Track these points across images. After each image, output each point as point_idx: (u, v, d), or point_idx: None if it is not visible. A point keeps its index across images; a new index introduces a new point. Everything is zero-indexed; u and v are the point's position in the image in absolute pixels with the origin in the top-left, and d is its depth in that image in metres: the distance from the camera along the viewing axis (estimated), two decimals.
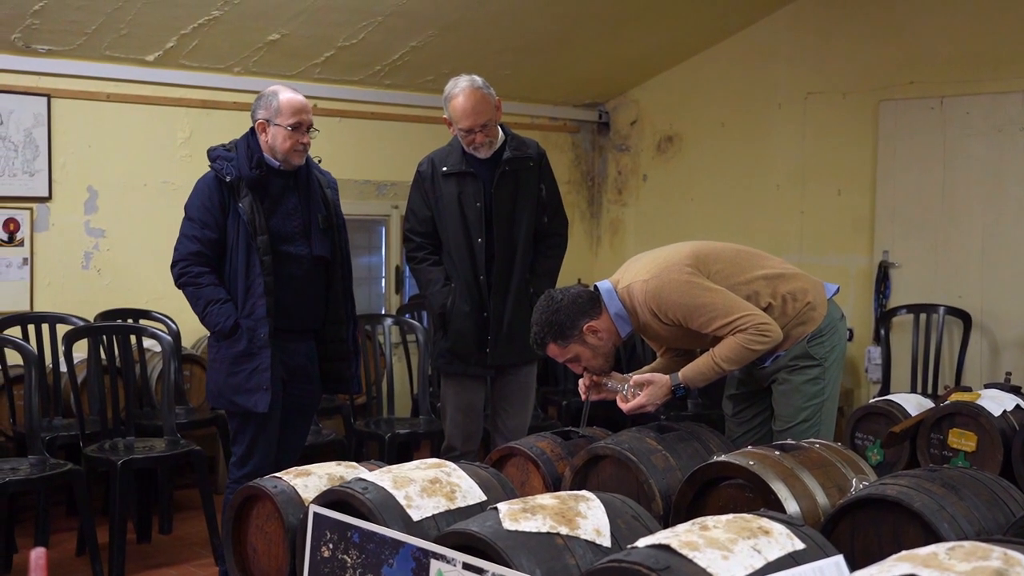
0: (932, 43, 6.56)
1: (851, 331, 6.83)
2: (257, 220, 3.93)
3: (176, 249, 4.02)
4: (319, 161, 4.26)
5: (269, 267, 3.94)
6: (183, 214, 4.07)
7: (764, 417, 3.84)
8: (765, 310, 3.56)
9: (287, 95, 4.00)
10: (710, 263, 3.62)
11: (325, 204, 4.15)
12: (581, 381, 3.76)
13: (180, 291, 4.07)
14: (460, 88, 4.28)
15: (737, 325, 3.48)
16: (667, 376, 3.62)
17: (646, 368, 3.87)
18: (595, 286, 3.67)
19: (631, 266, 3.72)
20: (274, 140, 3.98)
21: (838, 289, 3.86)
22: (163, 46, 5.84)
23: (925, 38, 6.58)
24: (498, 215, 4.40)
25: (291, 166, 4.04)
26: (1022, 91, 6.21)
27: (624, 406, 3.66)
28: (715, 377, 3.59)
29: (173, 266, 4.02)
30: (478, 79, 4.31)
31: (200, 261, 3.97)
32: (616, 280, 3.67)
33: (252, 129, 4.05)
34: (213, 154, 4.03)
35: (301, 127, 3.98)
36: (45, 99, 5.71)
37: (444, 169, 4.40)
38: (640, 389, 3.63)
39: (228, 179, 3.94)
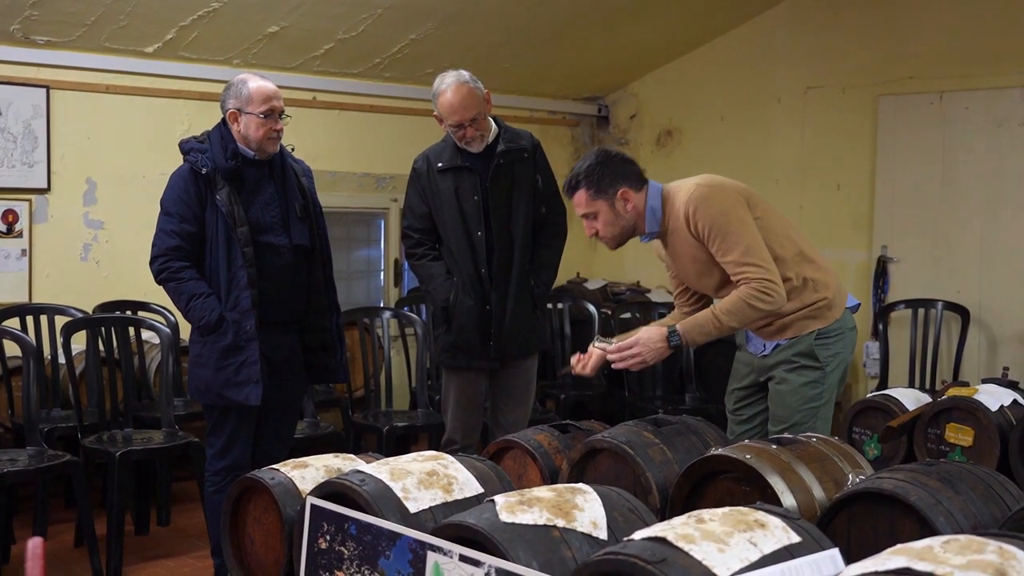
0: (931, 38, 6.56)
1: None
2: (236, 211, 3.90)
3: (154, 244, 3.97)
4: (292, 150, 4.22)
5: (251, 258, 3.90)
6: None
7: (765, 417, 3.78)
8: (784, 282, 3.49)
9: (256, 83, 3.97)
10: (755, 206, 3.56)
11: (302, 193, 4.11)
12: (574, 358, 3.71)
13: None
14: (447, 84, 4.29)
15: (744, 272, 3.41)
16: (657, 328, 3.54)
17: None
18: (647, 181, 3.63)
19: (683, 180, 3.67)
20: (247, 129, 3.95)
21: (859, 305, 3.81)
22: (162, 38, 5.84)
23: (924, 33, 6.58)
24: (495, 208, 4.40)
25: (266, 154, 4.01)
26: (1021, 86, 6.22)
27: (612, 356, 3.56)
28: (714, 332, 3.49)
29: (152, 262, 3.97)
30: (464, 73, 4.31)
31: (180, 255, 3.93)
32: (663, 186, 3.64)
33: (223, 120, 4.01)
34: (186, 146, 3.98)
35: (273, 114, 3.95)
36: (44, 90, 5.71)
37: (439, 165, 4.41)
38: (628, 341, 3.54)
39: (204, 171, 3.89)
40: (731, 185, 3.58)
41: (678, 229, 3.55)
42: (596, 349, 3.64)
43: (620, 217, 3.58)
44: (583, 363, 3.69)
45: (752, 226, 3.48)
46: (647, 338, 3.53)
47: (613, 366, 3.61)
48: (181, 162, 4.01)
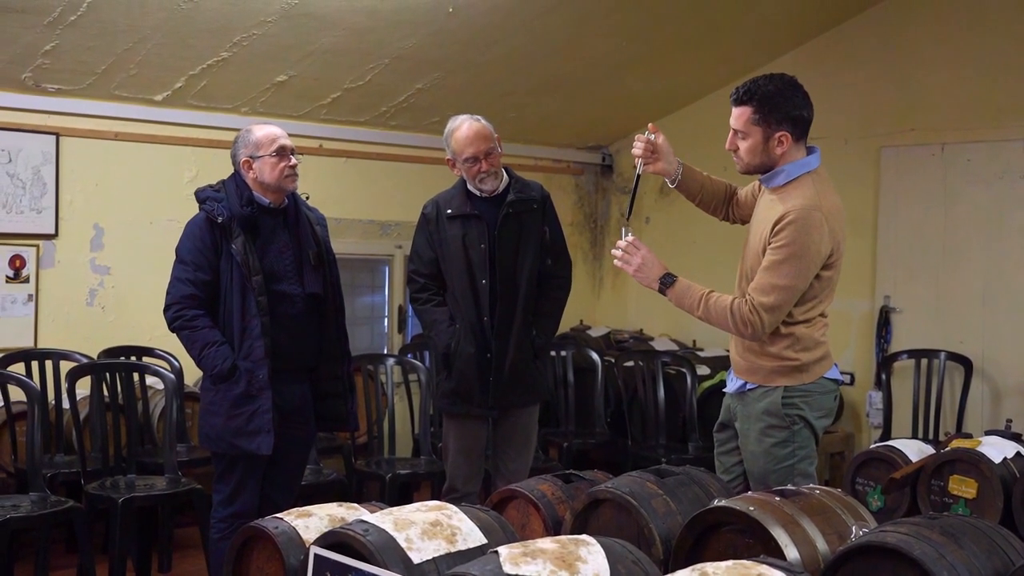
0: (933, 91, 6.61)
1: (852, 375, 6.85)
2: (251, 260, 3.94)
3: (169, 292, 4.01)
4: (307, 198, 4.29)
5: (265, 307, 3.94)
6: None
7: (742, 469, 3.69)
8: (783, 323, 3.47)
9: (261, 128, 4.07)
10: (829, 267, 3.55)
11: (315, 241, 4.16)
12: (639, 143, 3.74)
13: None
14: (460, 121, 4.39)
15: (755, 296, 3.38)
16: (662, 265, 3.51)
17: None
18: (814, 148, 3.58)
19: (830, 193, 3.60)
20: (262, 173, 4.01)
21: (842, 381, 3.76)
22: (172, 86, 5.91)
23: (926, 86, 6.64)
24: (501, 257, 4.43)
25: (284, 194, 4.07)
26: (1022, 138, 6.25)
27: (617, 253, 3.54)
28: (691, 308, 3.47)
29: (167, 309, 4.01)
30: (477, 117, 4.41)
31: (194, 304, 3.97)
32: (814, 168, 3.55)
33: (236, 171, 4.08)
34: (202, 195, 4.04)
35: (285, 151, 4.02)
36: (54, 137, 5.77)
37: (448, 212, 4.44)
38: (642, 248, 3.51)
39: (220, 220, 3.95)
40: (835, 231, 3.51)
41: (770, 213, 3.47)
42: (624, 229, 3.59)
43: (765, 153, 3.49)
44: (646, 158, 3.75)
45: (807, 277, 3.43)
46: (651, 262, 3.51)
47: (612, 251, 3.59)
48: (188, 209, 4.06)
